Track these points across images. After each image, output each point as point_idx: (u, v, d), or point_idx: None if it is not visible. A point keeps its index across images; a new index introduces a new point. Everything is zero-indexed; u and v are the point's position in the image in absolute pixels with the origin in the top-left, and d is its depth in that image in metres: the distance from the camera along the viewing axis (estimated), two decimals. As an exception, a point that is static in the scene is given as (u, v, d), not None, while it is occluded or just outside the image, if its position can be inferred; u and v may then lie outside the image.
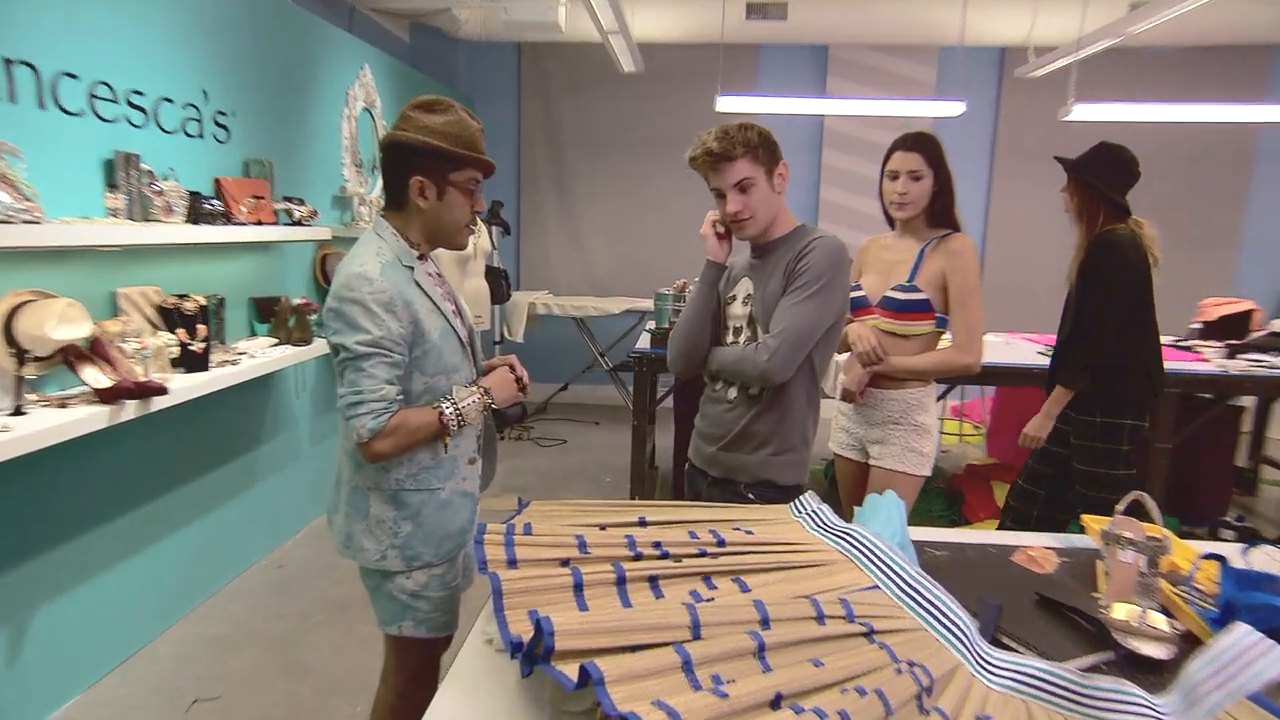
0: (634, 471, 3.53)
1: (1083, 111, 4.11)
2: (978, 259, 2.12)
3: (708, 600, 1.06)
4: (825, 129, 5.82)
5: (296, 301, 3.19)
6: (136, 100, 2.49)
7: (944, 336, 2.19)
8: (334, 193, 3.92)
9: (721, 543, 1.19)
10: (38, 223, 1.95)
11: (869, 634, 1.01)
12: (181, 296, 2.56)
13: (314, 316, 3.18)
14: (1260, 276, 5.63)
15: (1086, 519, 1.52)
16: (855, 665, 0.92)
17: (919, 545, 1.42)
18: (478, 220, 1.59)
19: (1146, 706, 0.92)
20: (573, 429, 5.59)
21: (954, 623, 1.07)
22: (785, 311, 1.65)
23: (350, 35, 4.06)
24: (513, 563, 1.08)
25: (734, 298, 1.81)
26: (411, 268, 1.49)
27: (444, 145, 1.45)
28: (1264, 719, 0.92)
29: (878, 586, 1.15)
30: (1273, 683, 0.92)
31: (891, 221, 2.24)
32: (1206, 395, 3.52)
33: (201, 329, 2.54)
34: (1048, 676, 0.99)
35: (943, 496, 3.87)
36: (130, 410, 2.14)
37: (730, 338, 1.81)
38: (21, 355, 1.95)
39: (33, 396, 2.05)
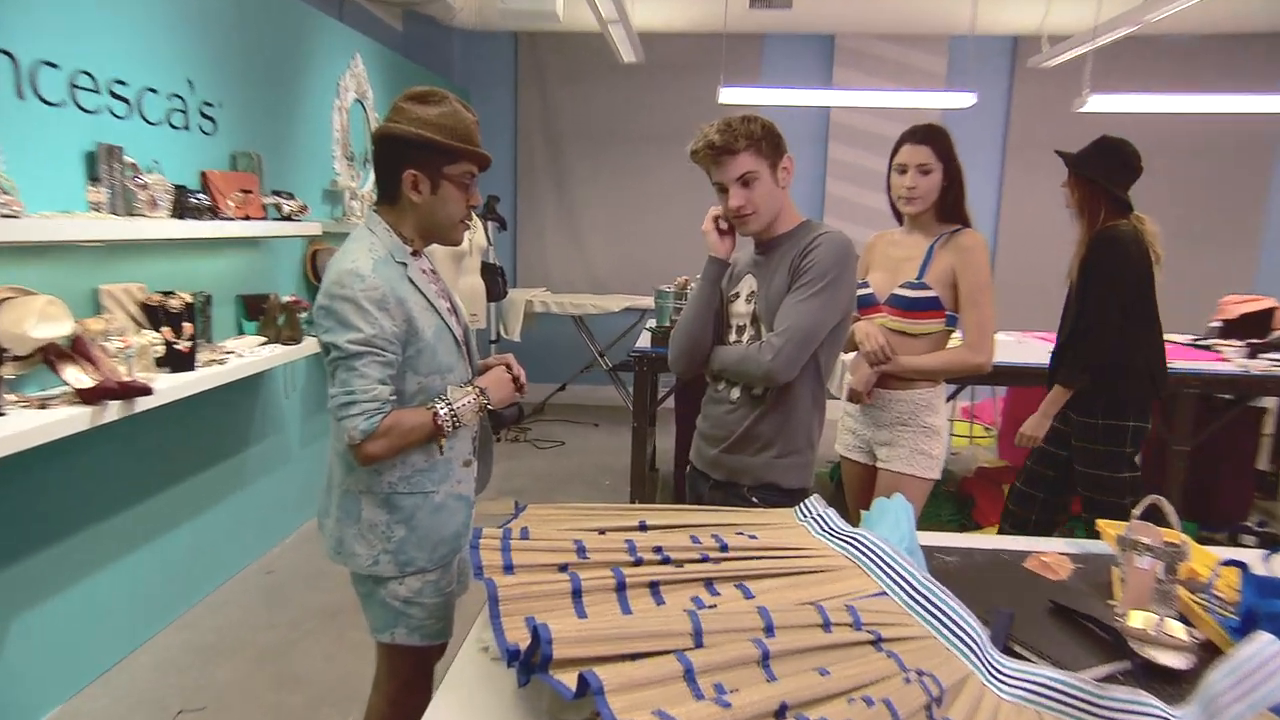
0: (634, 474, 3.53)
1: (1098, 103, 4.11)
2: (989, 255, 2.12)
3: (710, 607, 1.06)
4: (831, 121, 5.82)
5: (286, 299, 3.19)
6: (119, 90, 2.49)
7: (954, 335, 2.19)
8: (325, 187, 3.92)
9: (724, 547, 1.19)
10: (16, 217, 1.95)
11: (876, 642, 1.01)
12: (166, 294, 2.56)
13: (304, 314, 3.18)
14: (1282, 273, 5.63)
15: (1102, 524, 1.52)
16: (862, 674, 0.92)
17: (928, 550, 1.42)
18: (473, 215, 1.60)
19: (1164, 718, 0.92)
20: (571, 430, 5.59)
21: (964, 630, 1.07)
22: (790, 309, 1.65)
23: (341, 24, 4.06)
24: (509, 568, 1.08)
25: (737, 295, 1.82)
26: (405, 264, 1.49)
27: (438, 138, 1.45)
28: (1286, 730, 0.92)
29: (885, 593, 1.15)
30: (1294, 693, 0.92)
31: (900, 217, 2.24)
32: (1226, 396, 3.52)
33: (187, 327, 2.54)
34: (1061, 686, 0.99)
35: (952, 500, 3.87)
36: (113, 411, 2.14)
37: (733, 336, 1.81)
38: (0, 354, 1.96)
39: (12, 397, 2.05)
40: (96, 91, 2.40)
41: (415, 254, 1.55)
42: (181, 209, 2.62)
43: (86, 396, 2.07)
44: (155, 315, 2.51)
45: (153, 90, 2.64)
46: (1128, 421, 2.44)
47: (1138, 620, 1.18)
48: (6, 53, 2.10)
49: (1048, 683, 1.00)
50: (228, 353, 2.81)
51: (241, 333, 3.17)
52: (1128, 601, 1.24)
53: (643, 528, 1.27)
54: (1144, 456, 4.10)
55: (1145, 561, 1.26)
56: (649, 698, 0.83)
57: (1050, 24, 5.03)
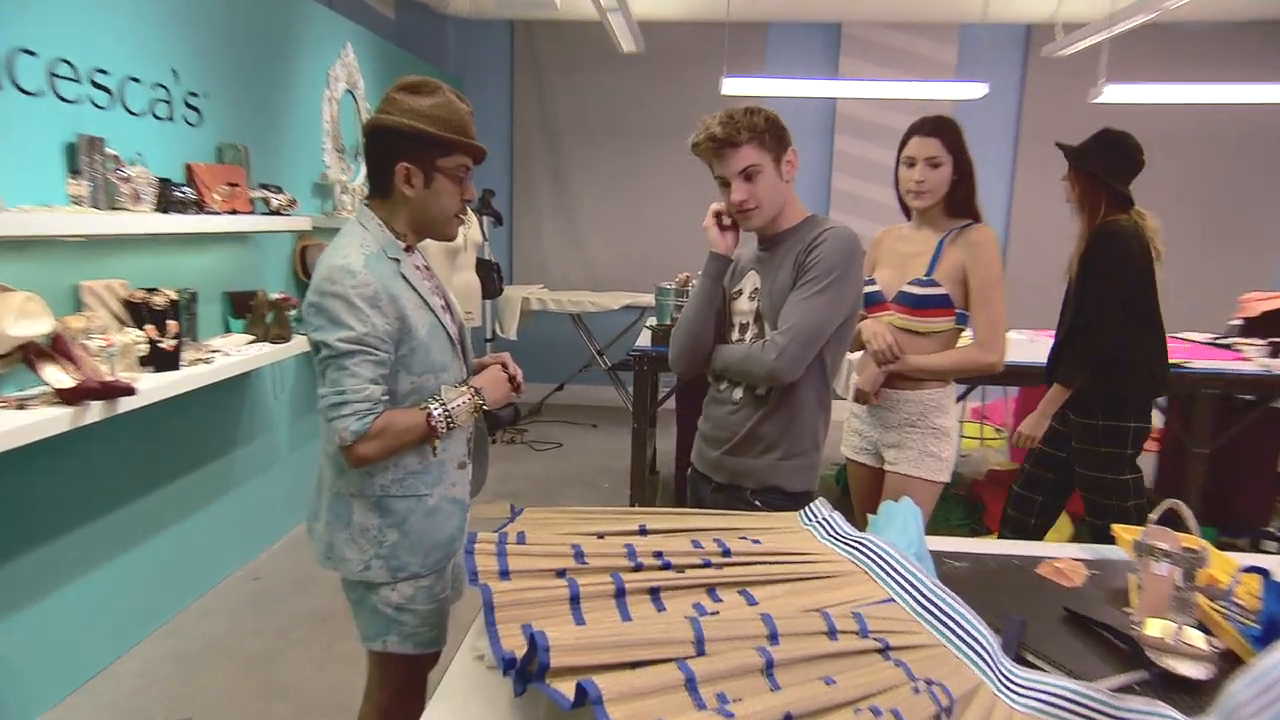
0: (634, 477, 3.54)
1: (1115, 93, 4.10)
2: (1000, 251, 2.12)
3: (712, 614, 1.06)
4: (837, 113, 5.83)
5: (274, 296, 3.19)
6: (100, 80, 2.49)
7: (964, 333, 2.19)
8: (314, 180, 3.92)
9: (727, 552, 1.19)
10: (-4, 211, 1.95)
11: (884, 650, 1.01)
12: (150, 290, 2.56)
13: (293, 312, 3.18)
14: (1305, 269, 5.63)
15: (1118, 529, 1.52)
16: (870, 683, 0.92)
17: (937, 556, 1.43)
18: (468, 210, 1.60)
19: (1181, 728, 0.92)
20: (569, 431, 5.59)
21: (975, 639, 1.07)
22: (794, 307, 1.65)
23: (331, 11, 4.06)
24: (505, 574, 1.08)
25: (740, 292, 1.82)
26: (397, 260, 1.49)
27: (431, 129, 1.45)
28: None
29: (893, 599, 1.15)
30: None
31: (908, 211, 2.24)
32: (1248, 397, 3.52)
33: (172, 325, 2.54)
34: (1076, 697, 0.99)
35: (962, 504, 3.88)
36: (95, 412, 2.14)
37: (736, 335, 1.81)
38: (-21, 353, 1.96)
39: (-9, 397, 2.05)
40: (77, 81, 2.40)
41: (408, 250, 1.55)
42: (166, 203, 2.62)
43: (67, 397, 2.07)
44: (138, 313, 2.51)
45: (135, 80, 2.64)
46: (1128, 422, 2.46)
47: (1155, 629, 1.18)
48: (-16, 41, 2.10)
49: (1061, 693, 1.00)
50: (214, 352, 2.81)
51: (228, 331, 3.17)
52: (1145, 609, 1.24)
53: (643, 532, 1.27)
54: (1162, 459, 4.14)
55: (1163, 568, 1.26)
56: (649, 707, 0.83)
57: (1065, 11, 5.03)
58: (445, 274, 4.41)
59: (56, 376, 2.10)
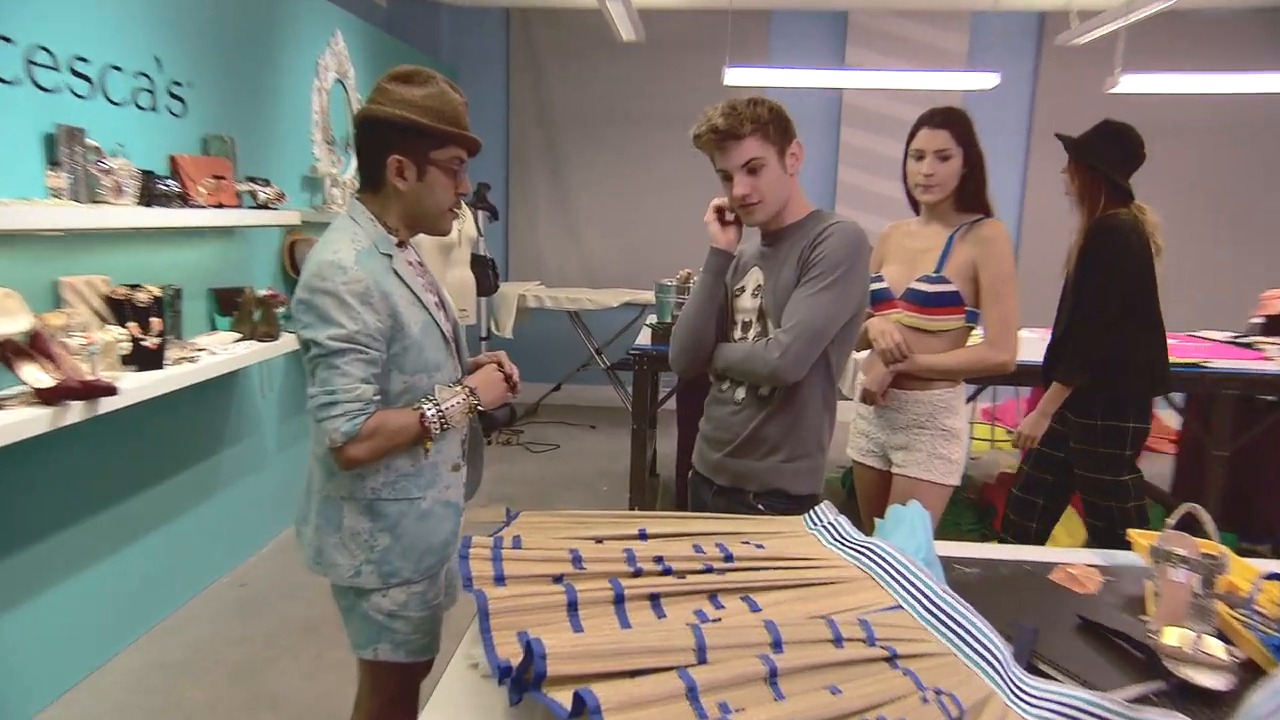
0: (633, 479, 3.54)
1: (1131, 83, 4.10)
2: (1012, 247, 2.12)
3: (714, 621, 1.06)
4: (844, 104, 5.83)
5: (262, 293, 3.19)
6: (80, 68, 2.49)
7: (974, 332, 2.19)
8: (303, 173, 3.92)
9: (729, 557, 1.19)
10: (-26, 205, 1.95)
11: (891, 659, 1.01)
12: (133, 287, 2.56)
13: (281, 309, 3.18)
14: (1329, 266, 5.63)
15: (1134, 534, 1.52)
16: (877, 693, 0.93)
17: (947, 561, 1.43)
18: (462, 204, 1.60)
19: (1199, 739, 0.92)
20: (566, 433, 5.59)
21: (985, 647, 1.07)
22: (799, 304, 1.65)
23: (320, -2, 4.06)
24: (500, 579, 1.08)
25: (742, 289, 1.82)
26: (390, 255, 1.49)
27: (424, 120, 1.45)
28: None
29: (901, 606, 1.15)
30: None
31: (916, 206, 2.24)
32: (1269, 397, 3.52)
33: (155, 322, 2.54)
34: (1090, 708, 0.99)
35: (973, 508, 3.88)
36: (75, 412, 2.14)
37: (738, 333, 1.81)
38: (-44, 351, 1.96)
39: (-31, 397, 2.05)
40: (56, 69, 2.40)
41: (401, 245, 1.55)
42: (149, 196, 2.62)
43: (46, 396, 2.07)
44: (121, 310, 2.51)
45: (117, 68, 2.64)
46: (1128, 423, 2.47)
47: (1173, 637, 1.17)
48: (-39, 28, 2.10)
49: (1075, 703, 1.00)
50: (199, 350, 2.81)
51: (214, 328, 3.17)
52: (1162, 617, 1.24)
53: (642, 536, 1.27)
54: (1180, 462, 4.14)
55: (1181, 574, 1.26)
56: (649, 717, 0.83)
57: (1079, -1, 5.03)
58: (439, 270, 4.42)
59: (35, 376, 2.10)
